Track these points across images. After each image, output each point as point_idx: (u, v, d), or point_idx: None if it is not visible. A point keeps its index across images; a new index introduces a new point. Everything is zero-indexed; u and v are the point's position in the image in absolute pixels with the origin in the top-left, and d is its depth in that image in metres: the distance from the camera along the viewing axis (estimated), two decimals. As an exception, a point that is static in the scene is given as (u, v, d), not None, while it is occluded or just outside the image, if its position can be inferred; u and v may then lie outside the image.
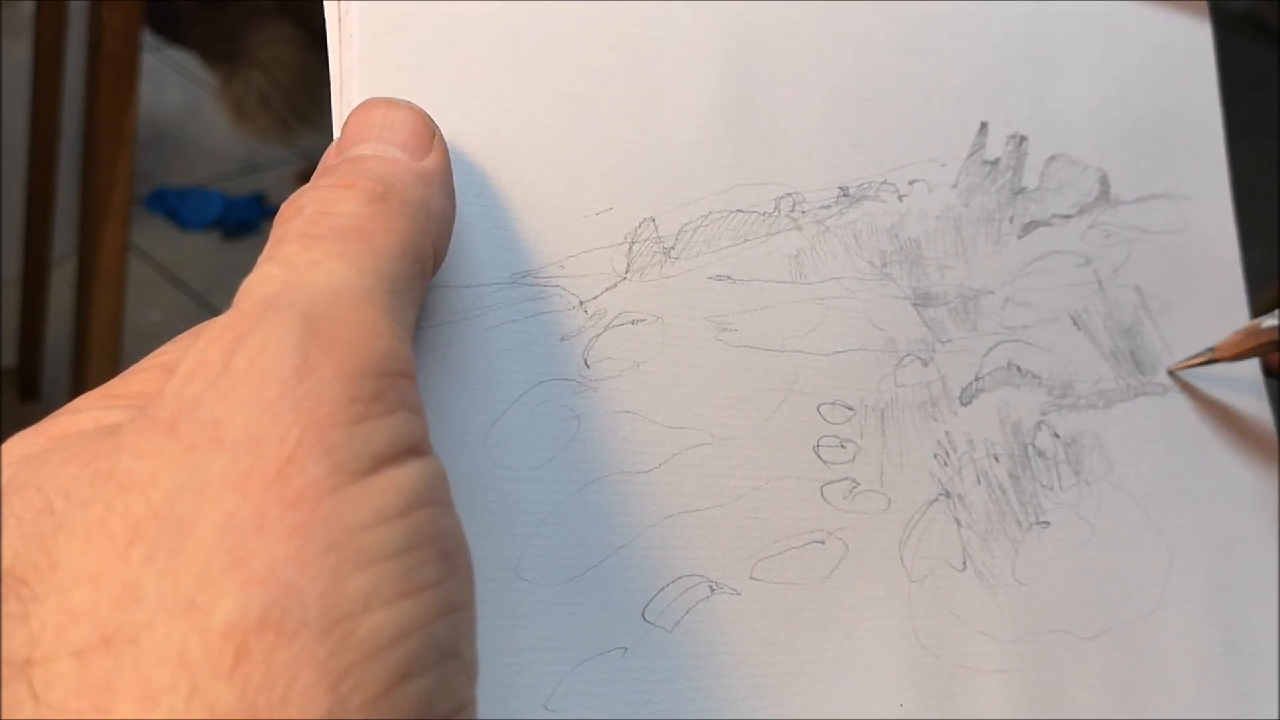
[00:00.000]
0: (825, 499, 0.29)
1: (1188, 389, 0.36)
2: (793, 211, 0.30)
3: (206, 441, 0.17)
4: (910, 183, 0.32)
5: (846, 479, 0.29)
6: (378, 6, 0.26)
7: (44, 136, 1.00)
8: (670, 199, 0.28)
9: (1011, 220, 0.34)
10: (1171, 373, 0.35)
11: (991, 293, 0.33)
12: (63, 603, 0.16)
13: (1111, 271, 0.35)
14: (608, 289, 0.27)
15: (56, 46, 0.95)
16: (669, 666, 0.26)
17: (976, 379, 0.32)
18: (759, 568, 0.28)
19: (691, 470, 0.27)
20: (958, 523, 0.31)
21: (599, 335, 0.27)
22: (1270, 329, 0.34)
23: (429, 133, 0.24)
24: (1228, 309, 0.37)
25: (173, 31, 1.10)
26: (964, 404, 0.31)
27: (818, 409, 0.29)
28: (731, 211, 0.29)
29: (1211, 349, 0.35)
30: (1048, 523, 0.32)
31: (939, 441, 0.31)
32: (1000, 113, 0.34)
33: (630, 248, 0.28)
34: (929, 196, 0.32)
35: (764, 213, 0.29)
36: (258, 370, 0.17)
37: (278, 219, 0.21)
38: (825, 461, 0.29)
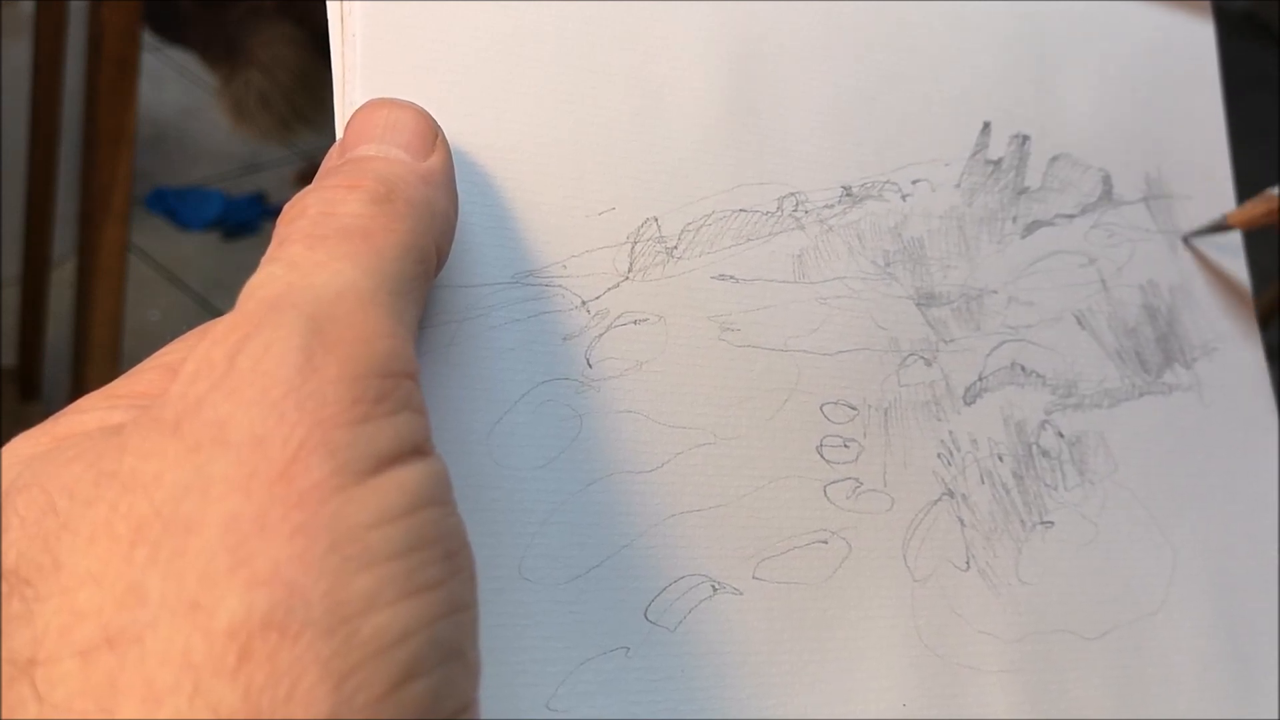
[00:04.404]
0: (828, 498, 0.29)
1: (1192, 388, 0.36)
2: (796, 211, 0.30)
3: (210, 442, 0.17)
4: (913, 182, 0.32)
5: (850, 478, 0.29)
6: (381, 6, 0.25)
7: (44, 136, 1.00)
8: (673, 198, 0.28)
9: (1014, 220, 0.33)
10: (1185, 239, 0.36)
11: (995, 292, 0.33)
12: (66, 603, 0.16)
13: (1115, 271, 0.35)
14: (610, 289, 0.27)
15: (56, 46, 0.95)
16: (672, 666, 0.26)
17: (980, 378, 0.32)
18: (762, 567, 0.28)
19: (694, 470, 0.27)
20: (961, 522, 0.30)
21: (601, 335, 0.27)
22: None
23: (432, 133, 0.24)
24: (1231, 308, 0.37)
25: (173, 31, 1.10)
26: (968, 403, 0.31)
27: (821, 409, 0.29)
28: (734, 211, 0.29)
29: (1224, 217, 0.35)
30: (1051, 522, 0.32)
31: (942, 441, 0.31)
32: (1003, 112, 0.34)
33: (633, 247, 0.28)
34: (932, 196, 0.32)
35: (767, 212, 0.29)
36: (262, 371, 0.17)
37: (281, 219, 0.21)
38: (828, 461, 0.29)
